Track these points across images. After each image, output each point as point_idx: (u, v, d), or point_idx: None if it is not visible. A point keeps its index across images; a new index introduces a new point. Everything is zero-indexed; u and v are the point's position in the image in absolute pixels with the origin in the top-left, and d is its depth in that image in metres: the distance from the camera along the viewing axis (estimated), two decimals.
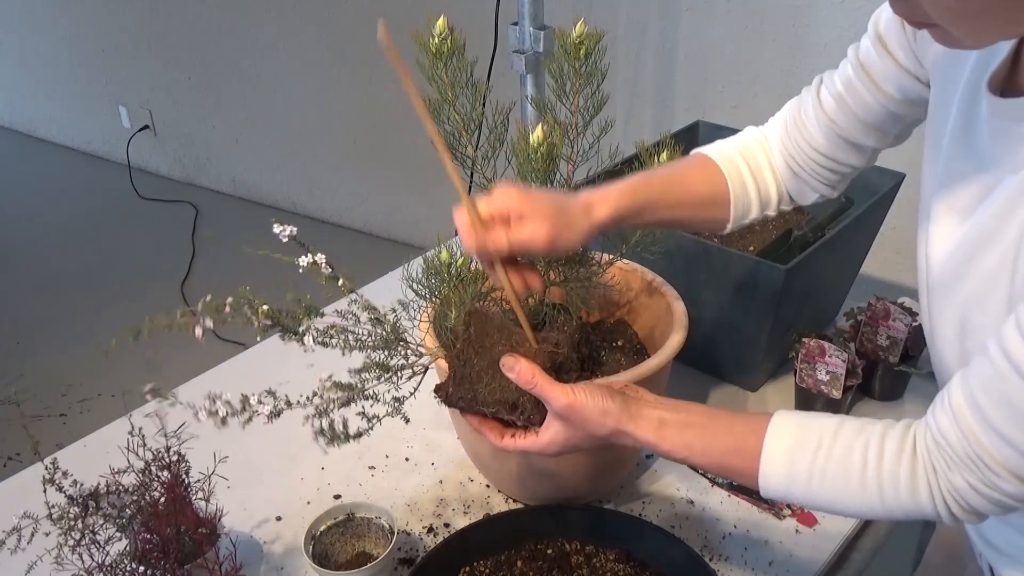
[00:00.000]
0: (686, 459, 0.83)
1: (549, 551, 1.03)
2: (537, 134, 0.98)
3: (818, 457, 0.75)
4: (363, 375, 0.89)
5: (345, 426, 0.87)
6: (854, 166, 0.96)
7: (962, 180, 0.74)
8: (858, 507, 0.75)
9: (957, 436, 0.67)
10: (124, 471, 0.93)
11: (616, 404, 0.82)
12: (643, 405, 0.83)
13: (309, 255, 0.85)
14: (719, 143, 1.02)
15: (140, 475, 0.94)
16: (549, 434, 0.85)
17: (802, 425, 0.78)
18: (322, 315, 0.87)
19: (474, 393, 0.88)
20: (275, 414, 0.84)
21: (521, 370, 0.83)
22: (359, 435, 0.88)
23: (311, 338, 0.85)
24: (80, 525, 0.88)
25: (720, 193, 0.98)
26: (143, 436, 0.92)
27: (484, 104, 1.05)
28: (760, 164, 0.99)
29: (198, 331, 0.78)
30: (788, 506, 1.14)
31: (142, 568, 0.94)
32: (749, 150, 1.00)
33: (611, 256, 1.14)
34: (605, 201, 0.88)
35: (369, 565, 1.01)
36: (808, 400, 1.25)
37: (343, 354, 0.89)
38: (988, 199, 0.70)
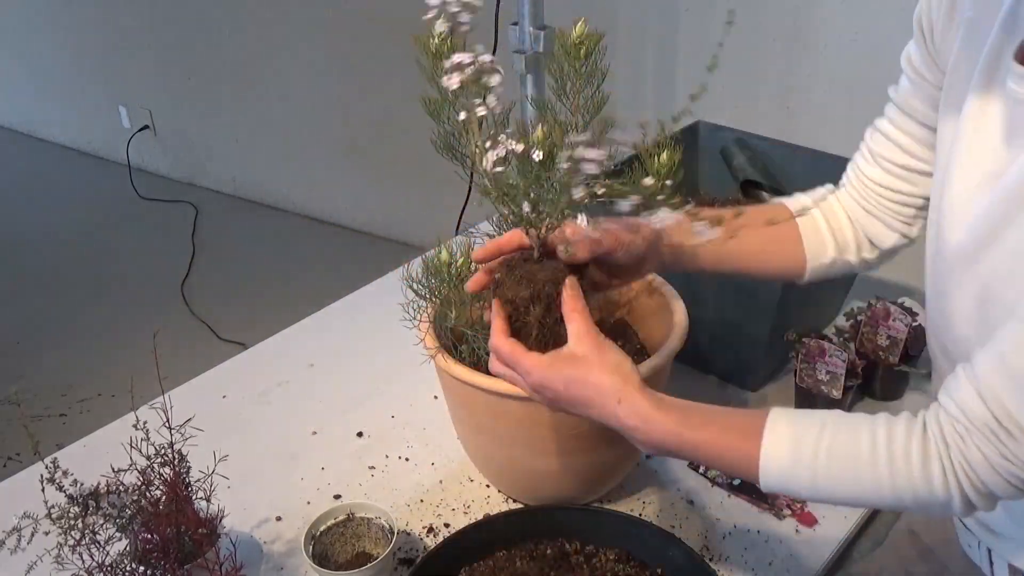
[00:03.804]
0: (678, 442, 0.80)
1: (549, 551, 1.03)
2: (537, 134, 0.98)
3: (823, 438, 0.73)
4: None
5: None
6: (921, 195, 0.94)
7: (987, 146, 0.73)
8: (865, 491, 0.71)
9: (978, 406, 0.65)
10: (125, 470, 0.93)
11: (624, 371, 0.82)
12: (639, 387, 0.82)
13: None
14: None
15: (142, 473, 0.94)
16: (543, 362, 0.82)
17: (804, 412, 0.76)
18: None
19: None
20: None
21: (575, 291, 0.84)
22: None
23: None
24: (80, 525, 0.88)
25: (787, 226, 0.97)
26: (147, 430, 0.92)
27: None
28: (831, 206, 1.00)
29: None
30: (788, 506, 1.14)
31: (142, 568, 0.94)
32: (819, 194, 1.01)
33: None
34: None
35: (369, 565, 1.01)
36: (808, 400, 1.25)
37: None
38: (1016, 165, 0.68)
